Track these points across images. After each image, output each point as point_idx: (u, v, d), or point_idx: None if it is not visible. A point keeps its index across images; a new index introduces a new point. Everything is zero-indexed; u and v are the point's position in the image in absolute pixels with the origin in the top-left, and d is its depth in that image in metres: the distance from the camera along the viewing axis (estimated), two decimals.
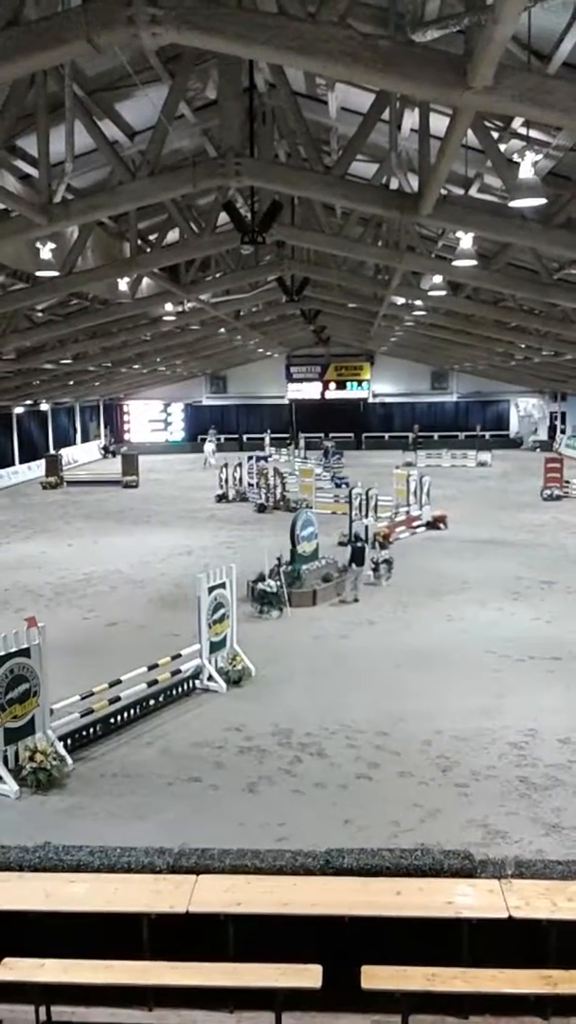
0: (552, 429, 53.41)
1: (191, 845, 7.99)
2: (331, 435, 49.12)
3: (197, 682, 13.68)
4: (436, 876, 7.25)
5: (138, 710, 12.58)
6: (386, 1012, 6.64)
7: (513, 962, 6.71)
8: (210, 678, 13.71)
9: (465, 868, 7.30)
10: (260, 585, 17.81)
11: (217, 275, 23.96)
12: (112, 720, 12.17)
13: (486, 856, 7.72)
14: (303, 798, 10.33)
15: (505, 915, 6.82)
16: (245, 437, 53.29)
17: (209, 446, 47.25)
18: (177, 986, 6.75)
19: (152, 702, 12.85)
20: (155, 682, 12.85)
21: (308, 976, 6.47)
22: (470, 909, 6.94)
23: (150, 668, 12.92)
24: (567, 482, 33.78)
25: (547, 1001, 6.65)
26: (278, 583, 17.80)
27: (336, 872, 7.32)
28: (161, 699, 13.00)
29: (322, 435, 49.38)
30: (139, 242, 18.53)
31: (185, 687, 13.50)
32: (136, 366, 41.03)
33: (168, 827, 9.45)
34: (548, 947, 6.79)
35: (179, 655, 13.51)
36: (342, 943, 6.86)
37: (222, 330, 35.02)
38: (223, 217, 16.11)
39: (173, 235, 19.73)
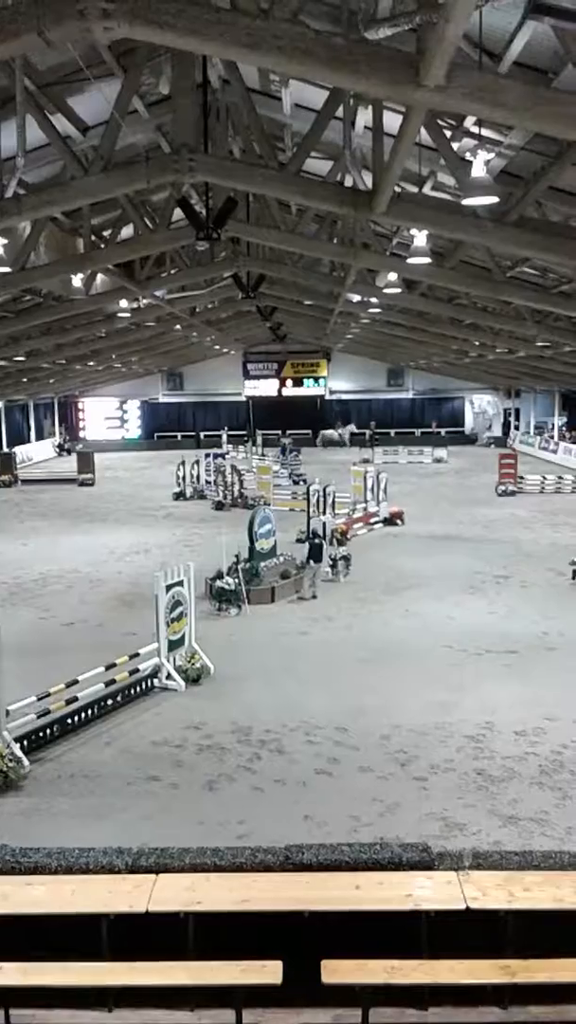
0: (506, 426, 54.10)
1: (150, 844, 7.94)
2: (288, 432, 49.19)
3: (156, 681, 13.61)
4: (395, 870, 7.29)
5: (96, 710, 12.47)
6: (347, 1006, 6.66)
7: (472, 953, 6.78)
8: (168, 676, 13.64)
9: (423, 861, 7.35)
10: (218, 583, 17.78)
11: (172, 271, 23.86)
12: (69, 720, 12.06)
13: (444, 848, 7.80)
14: (263, 795, 10.34)
15: (463, 906, 6.88)
16: (202, 434, 53.05)
17: (344, 431, 51.65)
18: (137, 986, 6.71)
19: (110, 702, 12.75)
20: (113, 681, 12.77)
21: (269, 972, 6.48)
22: (428, 901, 6.99)
23: (108, 668, 12.83)
24: (521, 478, 34.25)
25: (505, 991, 6.73)
26: (236, 580, 17.77)
27: (296, 868, 7.33)
28: (119, 699, 12.90)
29: (279, 432, 49.44)
30: (93, 238, 18.39)
31: (143, 686, 13.42)
32: (91, 363, 40.71)
33: (127, 827, 9.40)
34: (505, 937, 6.87)
35: (137, 654, 13.43)
36: (303, 938, 6.87)
37: (178, 327, 34.88)
38: (178, 213, 16.05)
39: (127, 231, 19.64)
